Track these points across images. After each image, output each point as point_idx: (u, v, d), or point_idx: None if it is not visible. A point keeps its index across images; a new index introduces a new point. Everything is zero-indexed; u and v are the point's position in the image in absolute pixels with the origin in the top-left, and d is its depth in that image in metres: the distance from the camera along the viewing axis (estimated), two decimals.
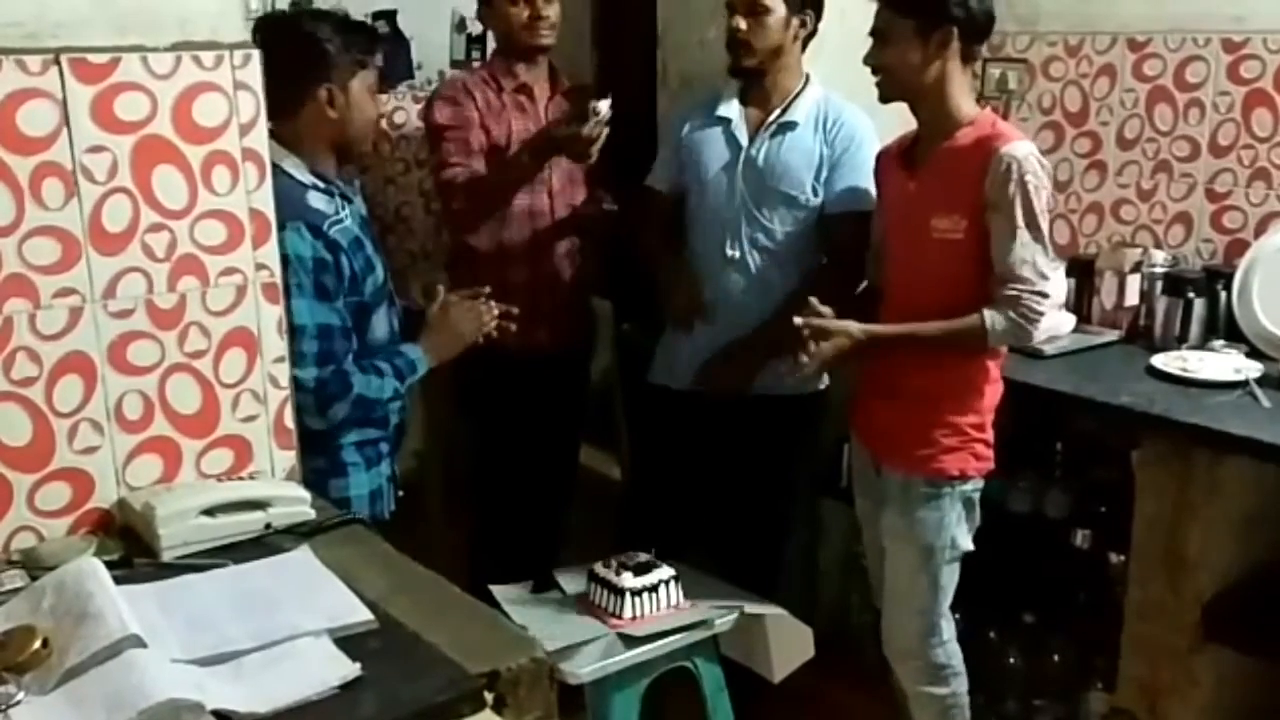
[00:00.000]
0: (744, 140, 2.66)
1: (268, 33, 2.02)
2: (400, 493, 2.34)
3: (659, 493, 2.90)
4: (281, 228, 1.94)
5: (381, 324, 2.19)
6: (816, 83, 2.68)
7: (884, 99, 2.32)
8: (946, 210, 2.23)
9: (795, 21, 2.58)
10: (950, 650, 2.46)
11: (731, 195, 2.66)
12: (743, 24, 2.56)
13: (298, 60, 2.07)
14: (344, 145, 2.16)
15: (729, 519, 2.81)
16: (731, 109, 2.68)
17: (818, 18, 2.61)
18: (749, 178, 2.65)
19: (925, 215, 2.26)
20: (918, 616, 2.42)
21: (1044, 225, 2.19)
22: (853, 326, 2.26)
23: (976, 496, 2.38)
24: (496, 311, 2.28)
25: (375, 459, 2.22)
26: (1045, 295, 2.21)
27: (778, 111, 2.65)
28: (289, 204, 1.99)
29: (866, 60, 2.27)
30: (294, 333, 1.98)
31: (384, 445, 2.24)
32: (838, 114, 2.64)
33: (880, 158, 2.49)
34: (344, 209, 2.12)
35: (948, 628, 2.45)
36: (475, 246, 2.85)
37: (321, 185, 2.10)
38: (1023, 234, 2.16)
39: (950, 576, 2.40)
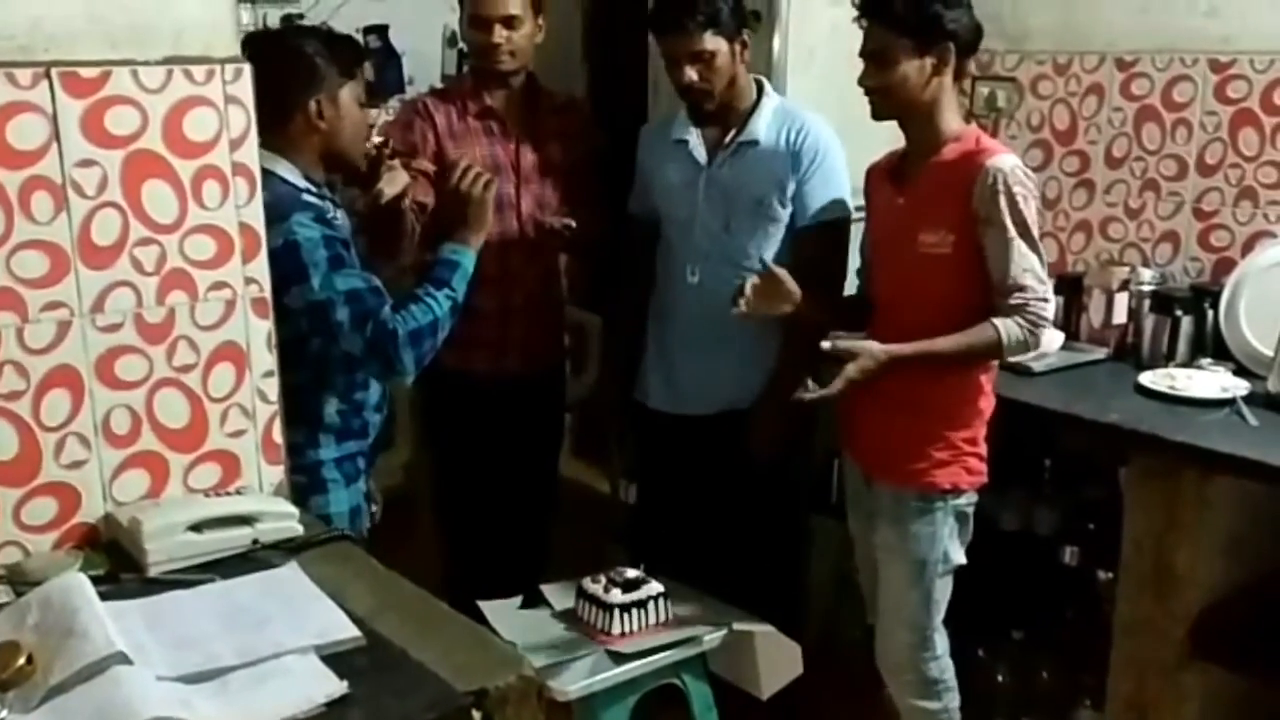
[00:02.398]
0: (704, 160, 2.64)
1: (255, 48, 2.04)
2: (374, 508, 2.34)
3: (659, 511, 2.90)
4: (285, 218, 1.97)
5: None
6: (770, 91, 2.67)
7: (878, 117, 2.31)
8: (934, 225, 2.24)
9: (738, 47, 2.55)
10: (943, 665, 2.46)
11: (694, 218, 2.65)
12: (693, 74, 2.52)
13: (285, 74, 2.10)
14: (334, 155, 2.17)
15: (727, 535, 2.80)
16: (687, 131, 2.66)
17: (746, 26, 2.59)
18: (713, 197, 2.63)
19: (913, 231, 2.27)
20: (911, 630, 2.42)
21: (1036, 234, 2.20)
22: (875, 347, 2.23)
23: (970, 510, 2.38)
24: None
25: (354, 475, 2.23)
26: (1047, 300, 2.22)
27: (735, 130, 2.63)
28: (288, 200, 2.02)
29: (863, 81, 2.26)
30: (321, 311, 2.00)
31: (361, 460, 2.26)
32: (800, 126, 2.60)
33: (870, 174, 2.49)
34: (334, 214, 2.16)
35: (941, 642, 2.45)
36: None
37: (314, 190, 2.13)
38: (1018, 244, 2.18)
39: (943, 590, 2.40)
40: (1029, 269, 2.18)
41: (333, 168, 2.21)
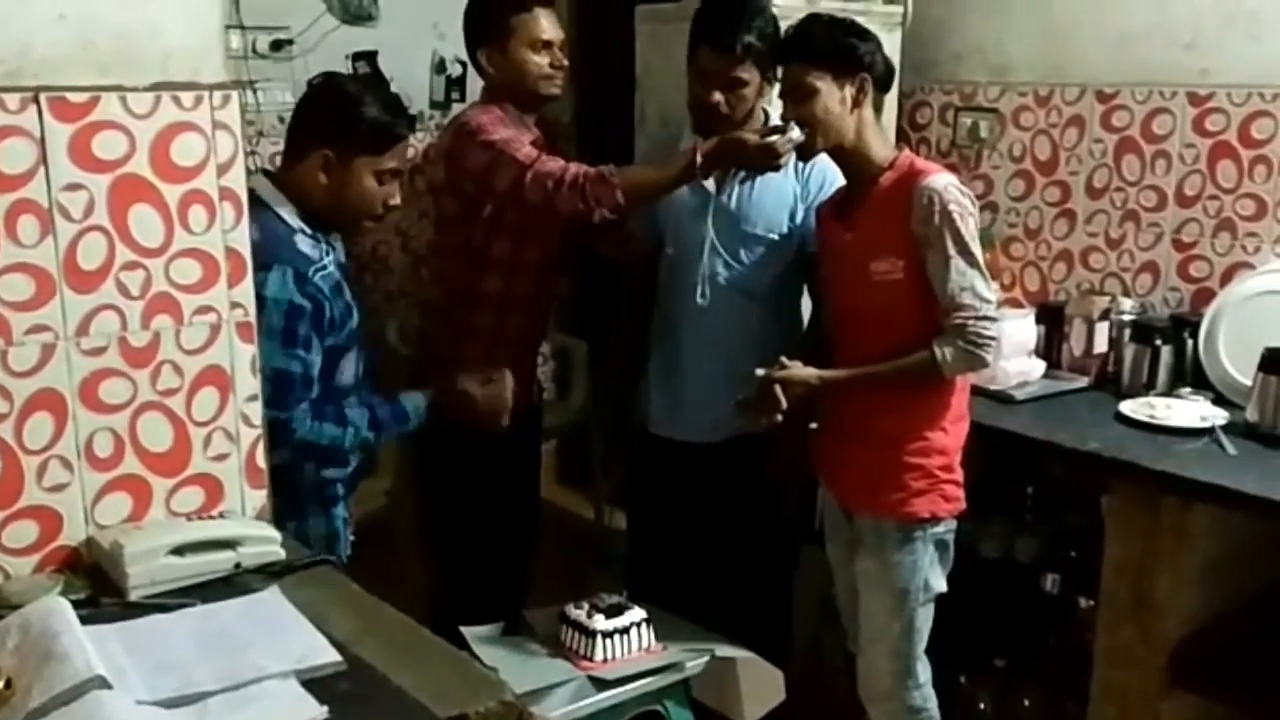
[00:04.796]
0: (712, 187, 2.63)
1: (316, 83, 2.14)
2: (353, 537, 2.33)
3: (653, 537, 2.90)
4: (267, 268, 1.97)
5: (349, 368, 2.21)
6: (776, 119, 2.64)
7: (806, 156, 2.37)
8: (883, 253, 2.27)
9: (764, 82, 2.56)
10: (925, 694, 2.46)
11: (702, 243, 2.64)
12: (719, 98, 2.52)
13: (312, 113, 2.13)
14: (326, 212, 2.14)
15: (720, 562, 2.79)
16: None
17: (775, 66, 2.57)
18: (721, 225, 2.63)
19: (864, 261, 2.29)
20: (893, 659, 2.42)
21: (975, 250, 2.22)
22: (810, 374, 2.32)
23: (950, 538, 2.39)
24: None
25: (332, 500, 2.23)
26: (991, 319, 2.23)
27: None
28: (277, 247, 2.01)
29: (784, 117, 2.31)
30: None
31: (340, 487, 2.26)
32: None
33: (818, 215, 2.53)
34: (328, 255, 2.14)
35: (923, 671, 2.45)
36: (487, 292, 2.72)
37: (309, 231, 2.12)
38: (956, 262, 2.20)
39: (925, 619, 2.41)
40: (967, 287, 2.20)
41: (324, 222, 2.15)
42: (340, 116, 2.09)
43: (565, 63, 2.70)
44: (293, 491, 2.14)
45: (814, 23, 2.33)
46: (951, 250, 2.19)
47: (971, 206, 2.24)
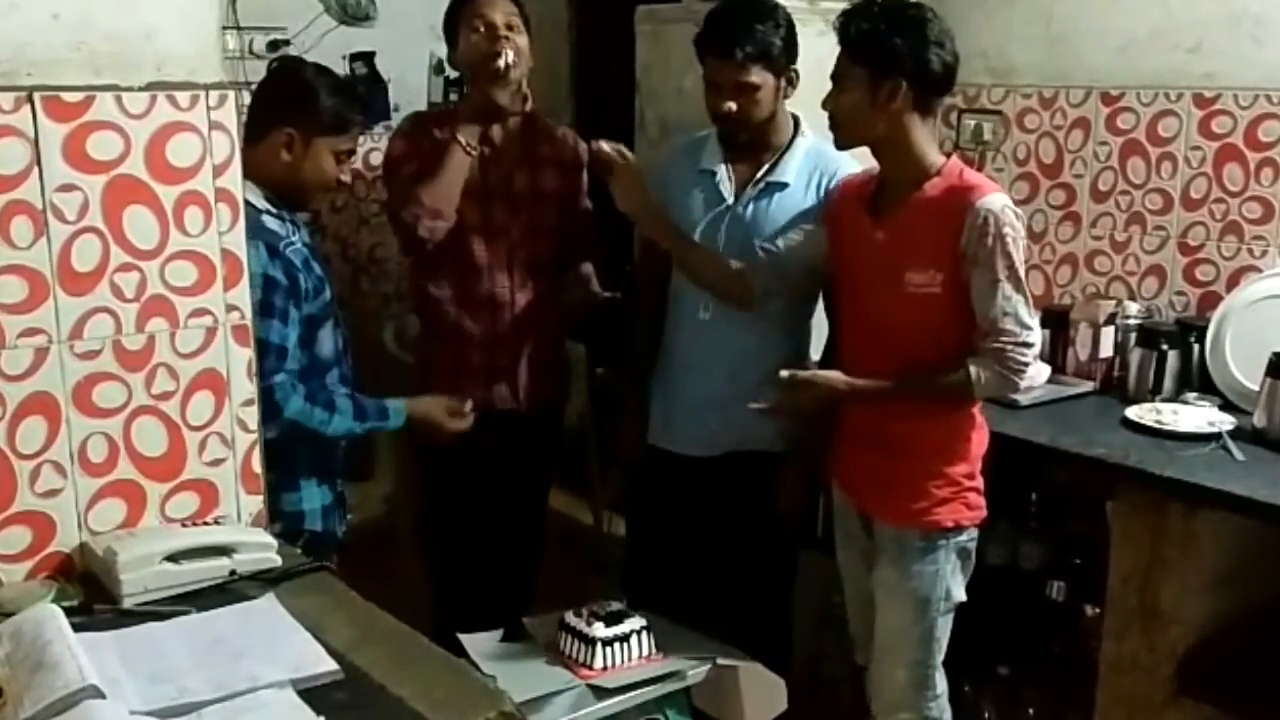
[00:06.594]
0: (729, 196, 2.57)
1: (274, 69, 2.23)
2: (349, 515, 2.39)
3: (651, 545, 2.87)
4: None
5: (327, 340, 2.29)
6: (806, 129, 2.60)
7: (840, 146, 2.32)
8: (922, 265, 2.20)
9: (783, 82, 2.51)
10: (942, 705, 2.42)
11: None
12: (733, 105, 2.47)
13: (275, 96, 2.22)
14: (287, 188, 2.23)
15: (719, 570, 2.77)
16: (715, 163, 2.60)
17: (794, 65, 2.53)
18: (735, 235, 2.56)
19: (898, 268, 2.22)
20: (912, 669, 2.37)
21: (1023, 275, 2.18)
22: (838, 379, 2.28)
23: (972, 546, 2.35)
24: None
25: (328, 474, 2.30)
26: (1029, 345, 2.20)
27: (766, 168, 2.56)
28: (245, 224, 2.00)
29: (824, 104, 2.26)
30: None
31: (334, 463, 2.32)
32: (833, 171, 2.53)
33: (841, 194, 2.43)
34: (295, 234, 2.22)
35: (941, 681, 2.40)
36: (434, 294, 2.76)
37: (274, 210, 2.19)
38: (1004, 287, 2.15)
39: (944, 628, 2.37)
40: (1011, 313, 2.16)
41: (283, 197, 2.25)
42: (302, 100, 2.20)
43: (503, 46, 2.62)
44: (289, 464, 2.16)
45: (861, 11, 2.19)
46: (1001, 274, 2.14)
47: (1023, 230, 2.20)
